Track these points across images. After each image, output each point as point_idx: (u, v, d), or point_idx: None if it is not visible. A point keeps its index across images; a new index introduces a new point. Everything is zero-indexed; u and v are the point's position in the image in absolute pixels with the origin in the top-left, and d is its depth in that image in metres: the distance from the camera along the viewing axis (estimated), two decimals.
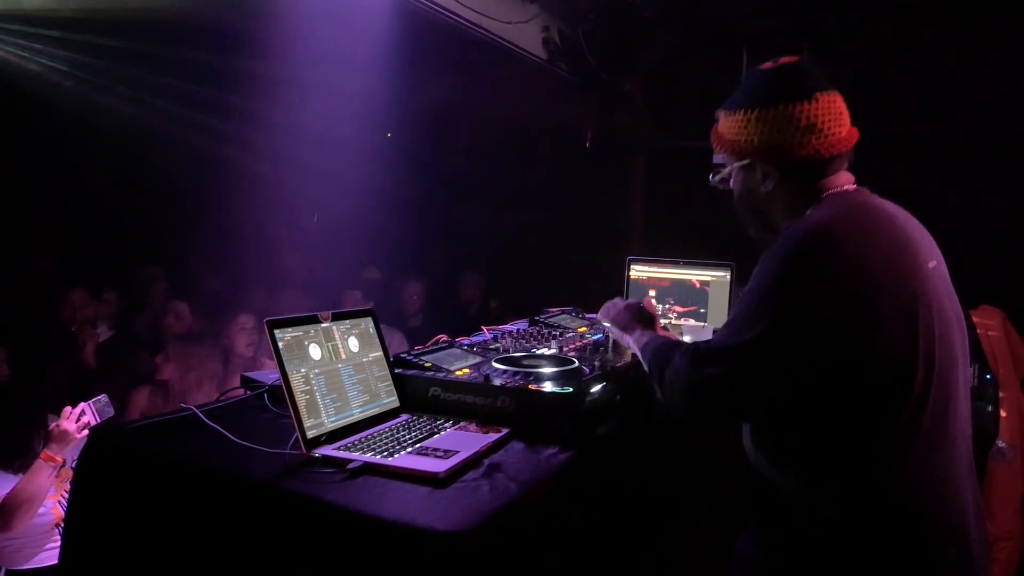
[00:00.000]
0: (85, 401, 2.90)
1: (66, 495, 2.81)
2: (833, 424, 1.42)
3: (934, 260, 1.52)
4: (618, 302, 2.09)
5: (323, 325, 1.78)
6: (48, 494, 2.88)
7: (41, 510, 2.89)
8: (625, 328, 1.95)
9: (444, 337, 2.36)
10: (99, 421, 2.90)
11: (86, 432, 2.84)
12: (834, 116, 1.53)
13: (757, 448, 1.55)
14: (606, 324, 2.07)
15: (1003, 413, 3.21)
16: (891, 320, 1.37)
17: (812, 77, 1.55)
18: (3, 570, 2.90)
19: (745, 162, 1.61)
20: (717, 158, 1.72)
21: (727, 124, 1.63)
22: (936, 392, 1.42)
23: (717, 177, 1.72)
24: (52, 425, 2.87)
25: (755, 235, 1.72)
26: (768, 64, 1.61)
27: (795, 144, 1.53)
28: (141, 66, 5.12)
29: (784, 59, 1.60)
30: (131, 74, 5.20)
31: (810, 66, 1.59)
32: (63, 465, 2.87)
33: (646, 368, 1.73)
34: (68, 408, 2.87)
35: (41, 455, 2.84)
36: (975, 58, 4.55)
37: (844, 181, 1.58)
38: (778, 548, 1.51)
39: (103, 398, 2.96)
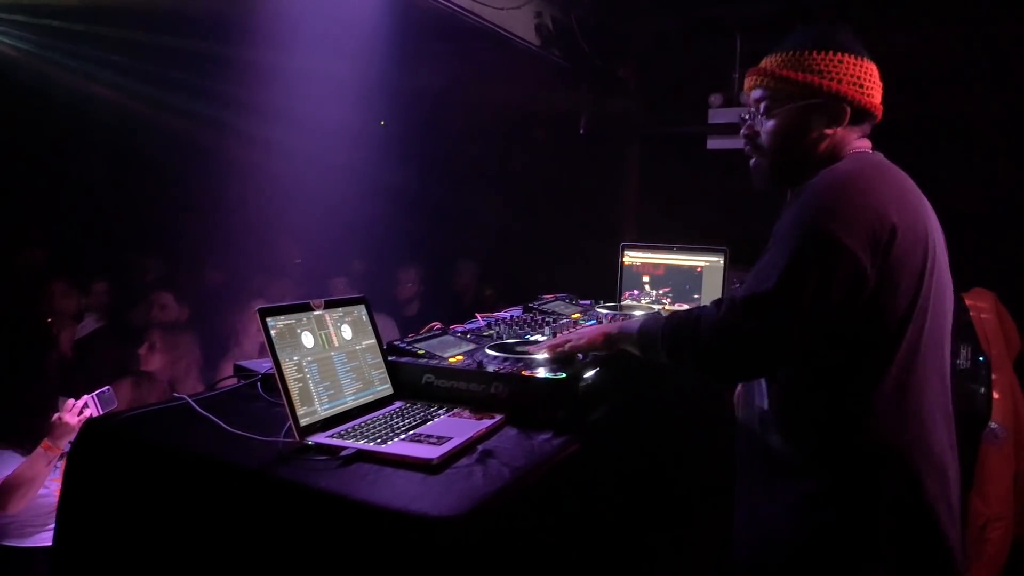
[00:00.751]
0: (89, 393, 2.91)
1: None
2: (838, 379, 1.52)
3: (937, 230, 1.63)
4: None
5: (316, 313, 1.77)
6: (48, 479, 2.90)
7: (43, 491, 2.91)
8: (603, 330, 1.88)
9: (438, 324, 2.36)
10: (101, 412, 2.90)
11: None
12: (873, 82, 1.67)
13: (776, 414, 1.61)
14: (583, 342, 1.88)
15: (996, 395, 3.22)
16: (900, 273, 1.49)
17: (860, 46, 1.67)
18: None
19: (816, 100, 1.63)
20: (757, 96, 1.73)
21: (795, 61, 1.65)
22: (926, 361, 1.54)
23: (759, 122, 1.72)
24: (54, 416, 2.88)
25: (768, 186, 1.76)
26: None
27: (868, 92, 1.64)
28: (131, 54, 5.09)
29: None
30: (121, 62, 5.17)
31: (857, 38, 1.70)
32: (63, 456, 2.88)
33: (654, 344, 1.70)
34: (71, 400, 2.88)
35: (41, 444, 2.85)
36: (970, 40, 4.54)
37: (868, 145, 1.70)
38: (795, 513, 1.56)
39: (107, 390, 2.97)
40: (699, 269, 2.87)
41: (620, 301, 2.93)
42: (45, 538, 2.94)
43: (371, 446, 1.51)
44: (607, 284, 3.01)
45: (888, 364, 1.50)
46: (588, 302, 2.97)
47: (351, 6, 4.32)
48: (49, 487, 2.92)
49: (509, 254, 6.21)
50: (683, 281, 2.90)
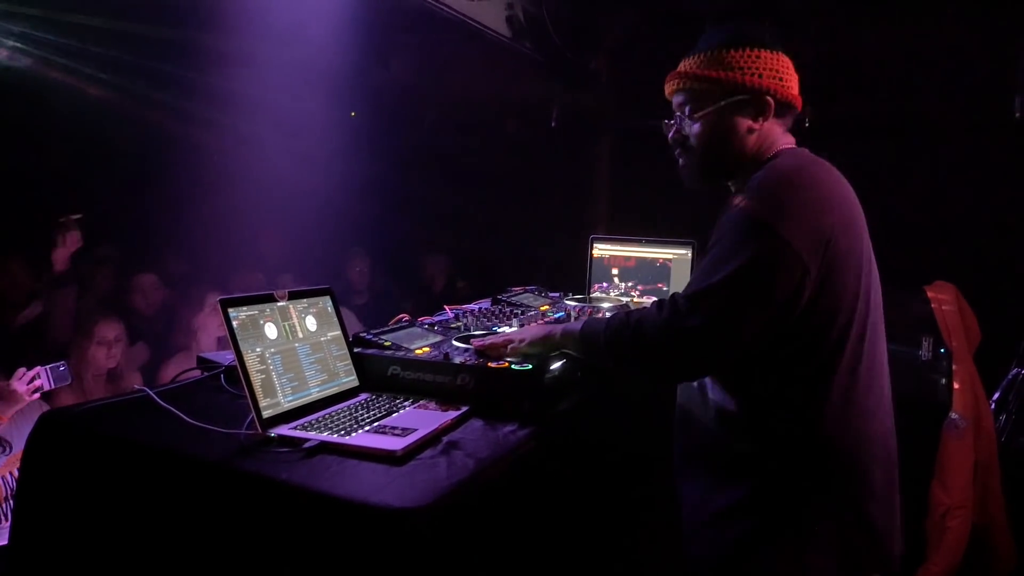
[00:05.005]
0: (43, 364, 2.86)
1: (12, 475, 2.78)
2: (785, 373, 1.52)
3: (865, 225, 1.64)
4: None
5: (279, 304, 1.75)
6: None
7: None
8: (545, 330, 1.84)
9: (406, 316, 2.35)
10: (53, 387, 2.87)
11: (37, 396, 2.81)
12: (789, 74, 1.68)
13: (720, 406, 1.61)
14: (524, 345, 1.84)
15: (956, 385, 3.27)
16: (845, 267, 1.50)
17: (777, 40, 1.69)
18: None
19: (741, 97, 1.64)
20: (679, 100, 1.73)
21: (715, 60, 1.66)
22: (869, 352, 1.56)
23: (683, 127, 1.72)
24: (3, 383, 2.82)
25: (702, 186, 1.76)
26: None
27: (787, 84, 1.66)
28: (92, 40, 4.98)
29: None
30: (81, 48, 5.05)
31: (773, 31, 1.73)
32: (8, 447, 2.82)
33: (596, 345, 1.68)
34: (22, 369, 2.83)
35: None
36: (936, 37, 4.60)
37: (792, 140, 1.71)
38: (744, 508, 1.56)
39: (62, 365, 2.92)
40: (668, 262, 2.89)
41: (589, 293, 2.94)
42: None
43: (335, 438, 1.50)
44: (577, 276, 3.01)
45: (836, 359, 1.51)
46: (557, 294, 2.97)
47: None
48: None
49: (480, 246, 6.19)
50: (652, 273, 2.92)
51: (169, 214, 4.93)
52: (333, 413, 1.66)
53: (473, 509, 1.36)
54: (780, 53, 1.67)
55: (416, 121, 6.32)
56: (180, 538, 1.44)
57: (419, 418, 1.64)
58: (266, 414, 1.56)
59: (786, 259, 1.44)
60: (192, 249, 4.98)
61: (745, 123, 1.65)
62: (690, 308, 1.49)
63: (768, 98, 1.63)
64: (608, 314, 2.38)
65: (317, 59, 4.88)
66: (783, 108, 1.67)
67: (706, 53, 1.67)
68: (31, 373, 2.82)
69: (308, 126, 5.50)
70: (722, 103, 1.65)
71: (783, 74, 1.65)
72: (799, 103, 1.69)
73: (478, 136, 6.28)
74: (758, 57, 1.63)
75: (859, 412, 1.54)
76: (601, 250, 2.99)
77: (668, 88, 1.76)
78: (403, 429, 1.55)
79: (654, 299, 2.74)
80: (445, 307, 2.54)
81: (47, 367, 2.86)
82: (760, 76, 1.63)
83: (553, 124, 5.75)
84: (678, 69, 1.73)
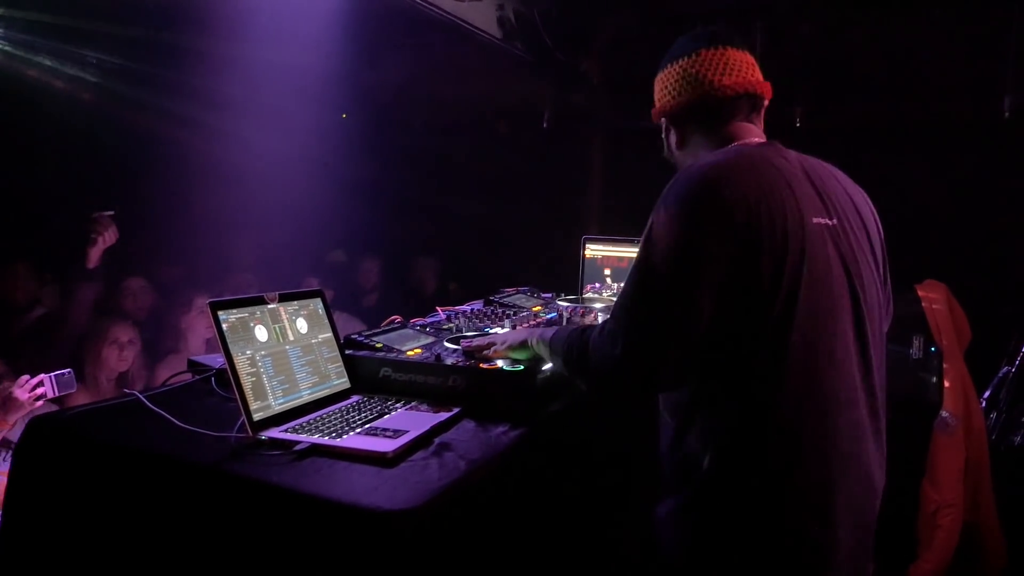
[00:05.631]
0: (51, 368, 2.84)
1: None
2: (737, 383, 1.43)
3: (827, 219, 1.52)
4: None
5: (270, 306, 1.75)
6: None
7: None
8: (524, 335, 1.83)
9: (397, 318, 2.35)
10: (57, 394, 2.85)
11: (39, 404, 2.80)
12: (717, 67, 1.64)
13: (671, 405, 1.57)
14: (503, 347, 1.84)
15: (947, 384, 3.29)
16: (768, 252, 1.39)
17: (701, 38, 1.68)
18: None
19: (662, 122, 1.75)
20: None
21: (657, 85, 1.76)
22: (801, 345, 1.41)
23: (668, 145, 1.79)
24: (7, 391, 2.81)
25: None
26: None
27: (682, 94, 1.66)
28: (82, 43, 4.96)
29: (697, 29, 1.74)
30: (71, 51, 5.03)
31: (709, 30, 1.70)
32: (8, 449, 2.81)
33: (555, 359, 1.67)
34: (26, 376, 2.81)
35: None
36: (926, 38, 4.62)
37: (749, 135, 1.64)
38: (688, 513, 1.51)
39: (67, 373, 2.90)
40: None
41: (582, 294, 2.94)
42: None
43: (326, 440, 1.49)
44: (570, 277, 3.02)
45: (783, 357, 1.40)
46: (550, 295, 2.97)
47: None
48: None
49: (473, 247, 6.19)
50: None
51: (158, 216, 4.90)
52: (324, 415, 1.65)
53: (464, 510, 1.36)
54: (699, 53, 1.65)
55: (407, 123, 6.31)
56: (171, 542, 1.43)
57: (411, 420, 1.64)
58: (257, 417, 1.56)
59: (698, 266, 1.37)
60: (181, 251, 4.96)
61: (673, 142, 1.73)
62: (611, 339, 1.45)
63: (687, 111, 1.67)
64: (600, 315, 2.40)
65: (308, 61, 4.87)
66: (714, 109, 1.64)
67: (655, 77, 1.76)
68: (34, 381, 2.80)
69: (299, 128, 5.49)
70: (665, 124, 1.75)
71: (707, 75, 1.63)
72: (731, 92, 1.62)
73: (470, 137, 6.27)
74: (669, 75, 1.69)
75: (818, 405, 1.43)
76: (593, 250, 2.99)
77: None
78: (394, 431, 1.55)
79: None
80: (437, 308, 2.53)
81: (52, 375, 2.84)
82: (673, 95, 1.68)
83: (545, 125, 5.75)
84: None
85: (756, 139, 1.64)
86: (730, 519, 1.44)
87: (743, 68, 1.65)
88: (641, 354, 1.41)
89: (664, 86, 1.71)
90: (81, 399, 3.17)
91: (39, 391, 2.80)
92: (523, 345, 1.80)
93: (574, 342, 1.59)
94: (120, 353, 3.45)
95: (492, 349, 1.84)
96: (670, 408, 1.57)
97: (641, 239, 1.47)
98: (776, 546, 1.43)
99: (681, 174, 1.50)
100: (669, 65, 1.70)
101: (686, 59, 1.66)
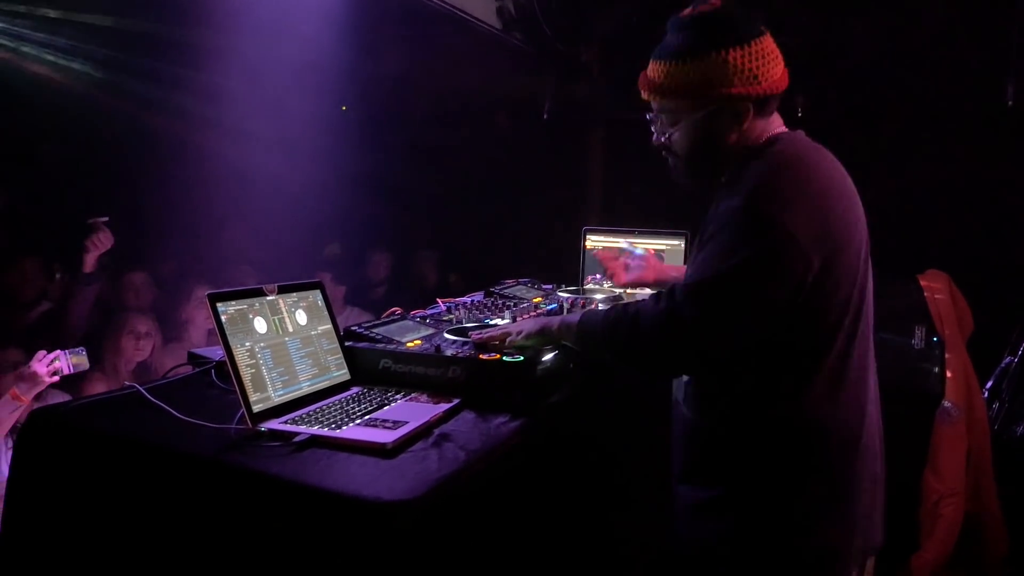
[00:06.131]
0: (63, 349, 2.89)
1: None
2: (772, 363, 1.49)
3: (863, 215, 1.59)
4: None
5: (269, 298, 1.74)
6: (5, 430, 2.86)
7: None
8: (542, 323, 1.81)
9: (398, 310, 2.35)
10: (72, 372, 2.90)
11: (56, 378, 2.84)
12: (767, 59, 1.55)
13: (698, 398, 1.60)
14: (521, 337, 1.82)
15: (949, 374, 3.28)
16: (843, 259, 1.47)
17: (751, 22, 1.56)
18: None
19: (716, 107, 1.56)
20: (655, 107, 1.66)
21: (686, 70, 1.55)
22: (860, 343, 1.52)
23: (665, 134, 1.66)
24: (24, 366, 2.85)
25: (693, 185, 1.71)
26: (694, 10, 1.58)
27: (764, 77, 1.53)
28: (81, 36, 4.95)
29: (704, 5, 1.58)
30: (70, 45, 5.02)
31: (742, 15, 1.58)
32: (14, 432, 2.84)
33: (594, 338, 1.65)
34: (43, 352, 2.84)
35: (10, 392, 2.82)
36: (928, 25, 4.60)
37: (780, 124, 1.64)
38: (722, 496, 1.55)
39: (81, 350, 2.95)
40: (661, 252, 2.88)
41: (583, 285, 2.93)
42: None
43: (325, 431, 1.49)
44: (571, 268, 3.01)
45: (826, 351, 1.47)
46: (550, 286, 2.97)
47: None
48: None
49: (474, 239, 6.19)
50: None
51: (159, 209, 4.90)
52: (324, 407, 1.65)
53: (464, 501, 1.36)
54: (750, 44, 1.52)
55: (407, 115, 6.29)
56: (171, 534, 1.43)
57: (410, 411, 1.64)
58: (256, 408, 1.56)
59: (790, 252, 1.40)
60: (183, 243, 4.96)
61: (724, 128, 1.58)
62: (688, 301, 1.45)
63: (745, 103, 1.54)
64: (601, 305, 2.40)
65: (307, 54, 4.86)
66: (764, 103, 1.57)
67: (670, 63, 1.57)
68: (50, 356, 2.84)
69: (298, 121, 5.47)
70: (697, 114, 1.58)
71: (759, 68, 1.52)
72: (780, 88, 1.58)
73: (470, 129, 6.25)
74: (725, 62, 1.51)
75: (846, 403, 1.51)
76: (594, 241, 2.98)
77: (642, 93, 1.66)
78: (394, 422, 1.54)
79: (646, 290, 2.77)
80: (438, 300, 2.53)
81: (67, 351, 2.89)
82: (731, 84, 1.52)
83: (545, 116, 5.73)
84: (648, 76, 1.63)
85: (782, 128, 1.63)
86: (767, 518, 1.50)
87: (779, 55, 1.58)
88: (715, 324, 1.44)
89: (741, 64, 1.51)
90: (100, 388, 3.21)
91: (56, 365, 2.84)
92: (542, 332, 1.77)
93: (620, 317, 1.57)
94: (137, 343, 3.54)
95: (508, 340, 1.81)
96: (692, 400, 1.59)
97: (719, 225, 1.48)
98: (806, 543, 1.49)
99: (771, 167, 1.50)
100: (715, 52, 1.51)
101: (739, 49, 1.51)
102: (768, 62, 1.54)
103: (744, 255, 1.43)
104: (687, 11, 1.59)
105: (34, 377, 2.80)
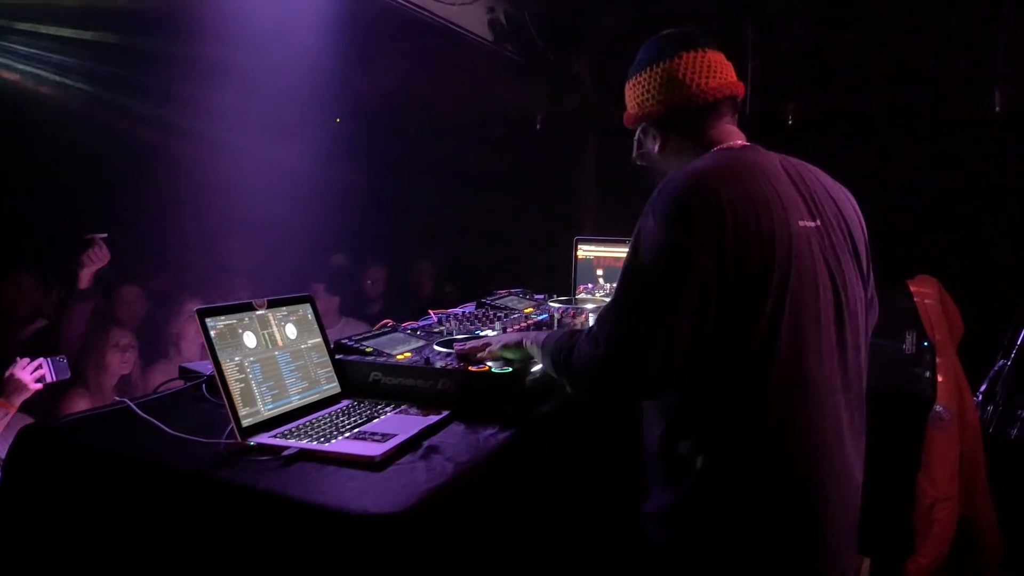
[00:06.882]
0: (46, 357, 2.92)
1: None
2: (714, 371, 1.43)
3: (810, 221, 1.53)
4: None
5: (258, 313, 1.75)
6: None
7: None
8: (518, 337, 1.83)
9: (389, 322, 2.36)
10: (55, 380, 2.92)
11: (39, 386, 2.86)
12: (701, 71, 1.63)
13: (651, 409, 1.59)
14: (498, 348, 1.85)
15: (940, 378, 3.29)
16: (745, 261, 1.40)
17: (679, 41, 1.66)
18: None
19: (641, 126, 1.73)
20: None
21: (628, 90, 1.74)
22: (788, 346, 1.43)
23: (643, 151, 1.76)
24: (8, 372, 2.86)
25: None
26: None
27: (665, 99, 1.64)
28: (72, 52, 4.97)
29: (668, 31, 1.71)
30: (62, 60, 5.04)
31: (682, 32, 1.68)
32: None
33: (547, 362, 1.66)
34: (26, 360, 2.87)
35: None
36: (916, 32, 4.63)
37: (732, 138, 1.65)
38: (676, 513, 1.52)
39: (62, 359, 2.98)
40: None
41: (575, 295, 2.94)
42: None
43: (314, 445, 1.50)
44: (564, 278, 3.02)
45: (771, 350, 1.42)
46: (542, 296, 2.98)
47: (299, 1, 4.27)
48: None
49: (468, 250, 6.20)
50: None
51: (152, 223, 4.91)
52: (314, 420, 1.66)
53: (451, 513, 1.37)
54: (680, 56, 1.63)
55: (400, 126, 6.32)
56: (161, 549, 1.43)
57: (400, 423, 1.65)
58: (246, 423, 1.57)
59: (686, 268, 1.37)
60: (175, 258, 4.97)
61: (652, 146, 1.70)
62: (599, 338, 1.44)
63: (668, 117, 1.65)
64: (591, 316, 2.41)
65: (300, 66, 4.88)
66: (695, 114, 1.63)
67: (628, 81, 1.73)
68: (34, 363, 2.86)
69: (292, 133, 5.50)
70: (641, 127, 1.73)
71: (690, 77, 1.62)
72: (714, 96, 1.62)
73: (463, 140, 6.28)
74: (649, 79, 1.66)
75: (805, 404, 1.45)
76: (586, 251, 3.00)
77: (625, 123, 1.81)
78: (383, 435, 1.55)
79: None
80: (430, 311, 2.54)
81: (49, 359, 2.91)
82: (661, 98, 1.64)
83: (538, 127, 5.76)
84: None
85: (739, 141, 1.64)
86: (724, 519, 1.46)
87: (723, 69, 1.66)
88: (624, 359, 1.41)
89: (644, 90, 1.68)
90: (83, 405, 3.20)
91: (39, 372, 2.86)
92: (518, 345, 1.81)
93: (563, 344, 1.59)
94: (123, 356, 3.55)
95: (487, 350, 1.85)
96: (657, 409, 1.57)
97: (630, 244, 1.47)
98: (768, 544, 1.45)
99: (669, 180, 1.49)
100: (648, 69, 1.67)
101: (667, 62, 1.64)
102: (700, 73, 1.63)
103: (640, 280, 1.43)
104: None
105: (17, 384, 2.82)
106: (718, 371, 1.43)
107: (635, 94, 1.71)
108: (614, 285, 2.87)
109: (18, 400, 2.84)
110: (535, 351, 1.75)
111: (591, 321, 2.28)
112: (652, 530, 1.58)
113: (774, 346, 1.42)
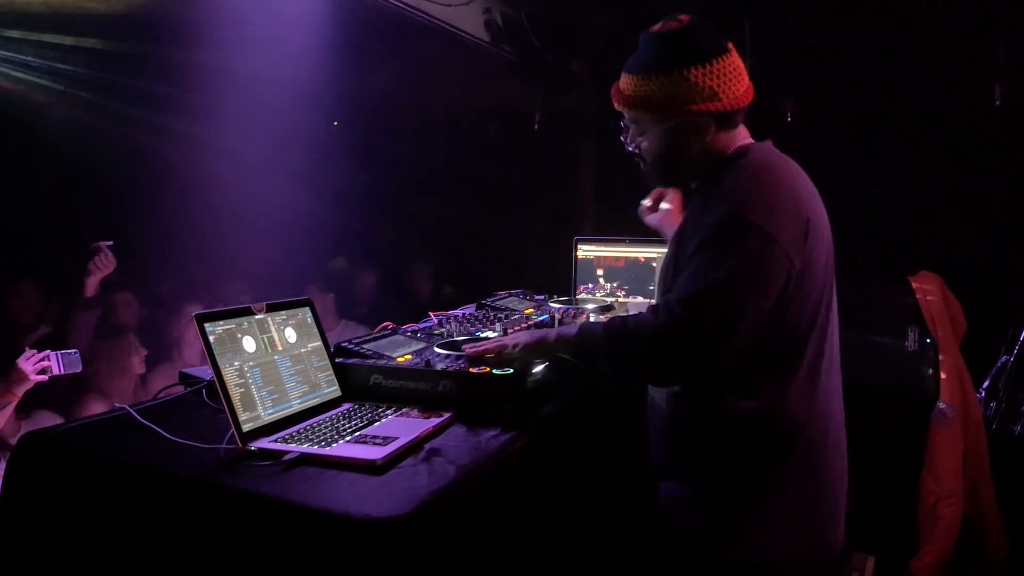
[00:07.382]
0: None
1: None
2: (753, 364, 1.56)
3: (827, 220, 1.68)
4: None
5: (257, 317, 1.74)
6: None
7: None
8: (539, 335, 1.83)
9: (389, 324, 2.35)
10: (62, 373, 2.90)
11: (44, 377, 2.85)
12: (731, 75, 1.63)
13: (678, 398, 1.66)
14: (517, 350, 1.81)
15: (943, 375, 3.28)
16: (816, 260, 1.56)
17: (716, 33, 1.66)
18: None
19: (679, 120, 1.62)
20: (629, 121, 1.74)
21: (652, 85, 1.62)
22: (830, 341, 1.64)
23: (635, 142, 1.73)
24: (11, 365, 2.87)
25: (659, 187, 1.96)
26: (663, 26, 1.66)
27: (725, 93, 1.61)
28: (70, 59, 4.97)
29: (674, 22, 1.65)
30: (59, 67, 5.04)
31: (706, 33, 1.65)
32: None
33: (593, 350, 1.66)
34: (32, 351, 2.86)
35: None
36: (915, 30, 4.63)
37: (746, 135, 1.71)
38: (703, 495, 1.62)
39: (74, 353, 2.95)
40: (652, 261, 2.89)
41: (575, 295, 2.93)
42: None
43: (315, 449, 1.49)
44: (564, 279, 3.01)
45: (803, 349, 1.57)
46: (542, 297, 2.97)
47: (296, 5, 4.26)
48: None
49: (467, 251, 6.19)
50: (637, 274, 2.92)
51: (151, 228, 4.91)
52: (314, 424, 1.65)
53: (453, 516, 1.36)
54: (713, 62, 1.59)
55: (398, 128, 6.32)
56: (162, 555, 1.43)
57: (401, 426, 1.64)
58: (246, 428, 1.56)
59: (777, 257, 1.48)
60: (175, 262, 4.97)
61: (689, 139, 1.65)
62: (686, 313, 1.49)
63: (706, 119, 1.61)
64: (592, 316, 2.40)
65: (297, 70, 4.87)
66: (727, 118, 1.64)
67: (637, 77, 1.64)
68: (39, 355, 2.85)
69: (290, 137, 5.49)
70: (663, 126, 1.65)
71: (720, 85, 1.59)
72: (743, 103, 1.64)
73: (461, 141, 6.27)
74: (687, 80, 1.58)
75: (821, 399, 1.59)
76: (585, 251, 2.99)
77: (614, 103, 1.73)
78: (384, 438, 1.54)
79: (639, 298, 2.78)
80: (430, 313, 2.53)
81: (59, 352, 2.90)
82: (692, 100, 1.59)
83: (536, 127, 5.76)
84: (619, 87, 1.71)
85: (751, 140, 1.71)
86: (755, 510, 1.56)
87: (743, 72, 1.66)
88: (708, 334, 1.49)
89: (706, 80, 1.58)
90: (99, 408, 3.21)
91: (43, 364, 2.85)
92: (540, 344, 1.79)
93: (620, 331, 1.60)
94: (142, 359, 3.59)
95: (504, 352, 1.80)
96: (672, 400, 1.65)
97: (713, 233, 1.52)
98: (793, 529, 1.56)
99: (756, 180, 1.56)
100: (678, 70, 1.58)
101: (702, 67, 1.58)
102: (730, 80, 1.61)
103: (733, 264, 1.48)
104: (657, 27, 1.67)
105: (19, 374, 2.81)
106: (759, 361, 1.54)
107: (693, 85, 1.59)
108: (615, 285, 2.90)
109: (20, 390, 2.83)
110: (563, 346, 1.74)
111: (591, 319, 2.27)
112: (667, 517, 1.66)
113: (805, 346, 1.56)
